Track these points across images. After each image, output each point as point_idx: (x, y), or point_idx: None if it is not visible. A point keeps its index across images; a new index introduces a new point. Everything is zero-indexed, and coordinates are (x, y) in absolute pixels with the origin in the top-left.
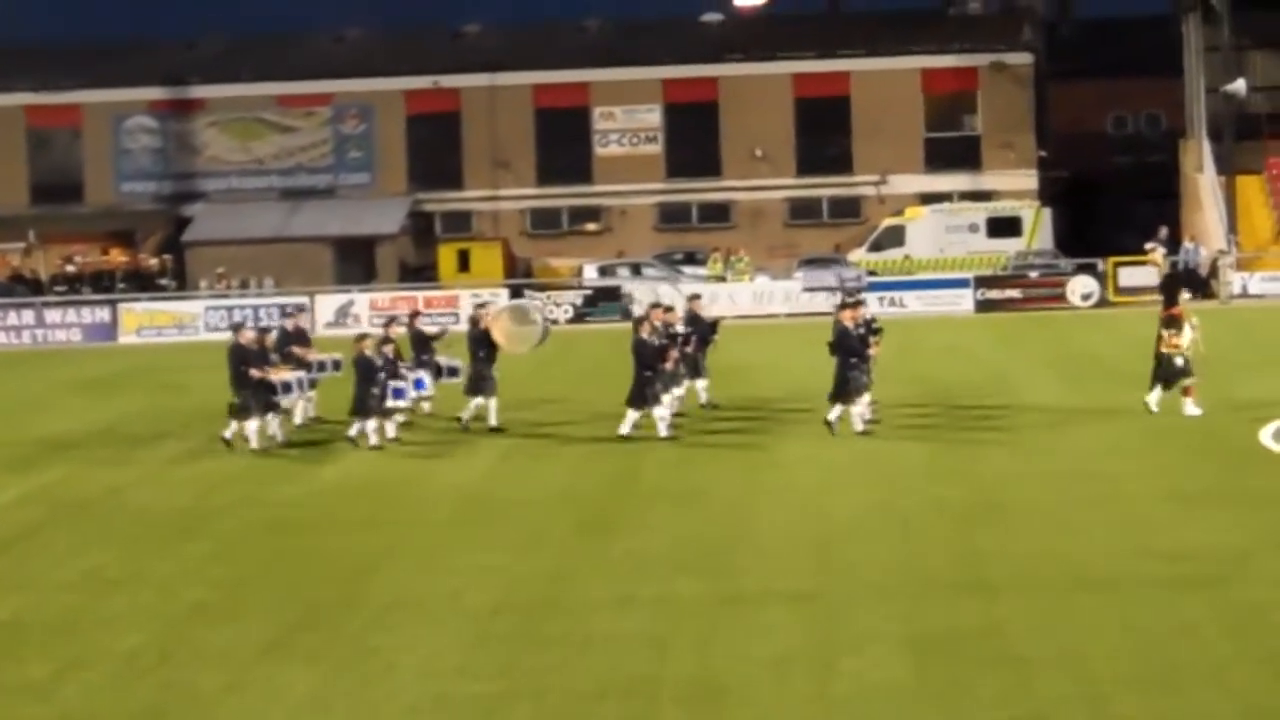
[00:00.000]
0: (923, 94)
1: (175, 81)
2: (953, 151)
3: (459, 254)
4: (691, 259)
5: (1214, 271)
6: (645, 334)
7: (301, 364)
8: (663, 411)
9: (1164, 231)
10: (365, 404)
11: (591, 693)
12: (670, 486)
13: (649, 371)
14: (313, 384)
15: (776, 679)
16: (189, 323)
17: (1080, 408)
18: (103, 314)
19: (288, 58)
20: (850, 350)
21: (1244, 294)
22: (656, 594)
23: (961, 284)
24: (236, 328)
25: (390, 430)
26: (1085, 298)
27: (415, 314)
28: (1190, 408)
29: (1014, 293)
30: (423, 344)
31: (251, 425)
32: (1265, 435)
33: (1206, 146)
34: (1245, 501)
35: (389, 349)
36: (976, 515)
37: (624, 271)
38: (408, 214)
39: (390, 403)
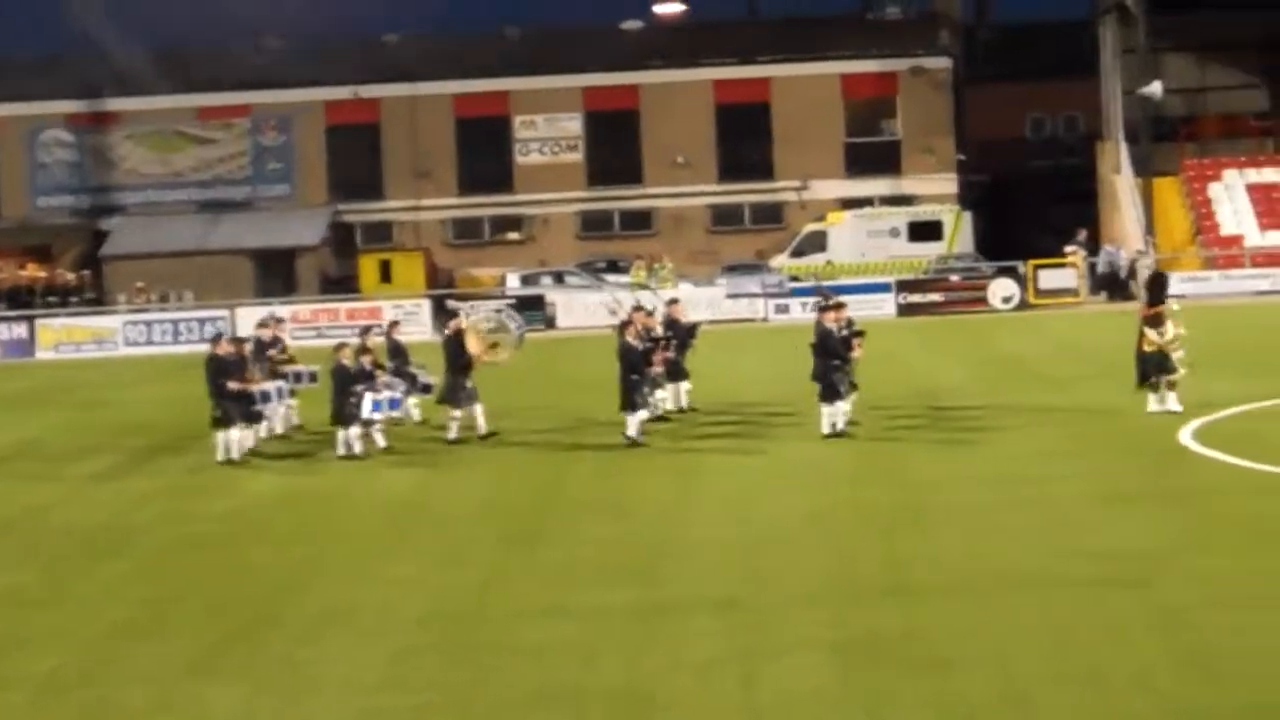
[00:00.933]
0: (843, 99)
1: (91, 94)
2: (873, 156)
3: (380, 265)
4: (614, 267)
5: (1132, 273)
6: (631, 338)
7: (277, 374)
8: (643, 415)
9: (1083, 234)
10: (343, 413)
11: (519, 703)
12: (597, 496)
13: (636, 376)
14: (292, 393)
15: (703, 686)
16: (107, 338)
17: (1004, 410)
18: (20, 330)
19: (206, 69)
20: (833, 352)
21: None
22: (583, 603)
23: (883, 288)
24: (215, 339)
25: (380, 440)
26: (1006, 300)
27: (394, 324)
28: (1173, 404)
29: (935, 296)
30: (400, 354)
31: (233, 434)
32: (1186, 435)
33: (1124, 149)
34: (1168, 502)
35: (367, 359)
36: (902, 519)
37: (547, 280)
38: (328, 225)
39: (367, 414)
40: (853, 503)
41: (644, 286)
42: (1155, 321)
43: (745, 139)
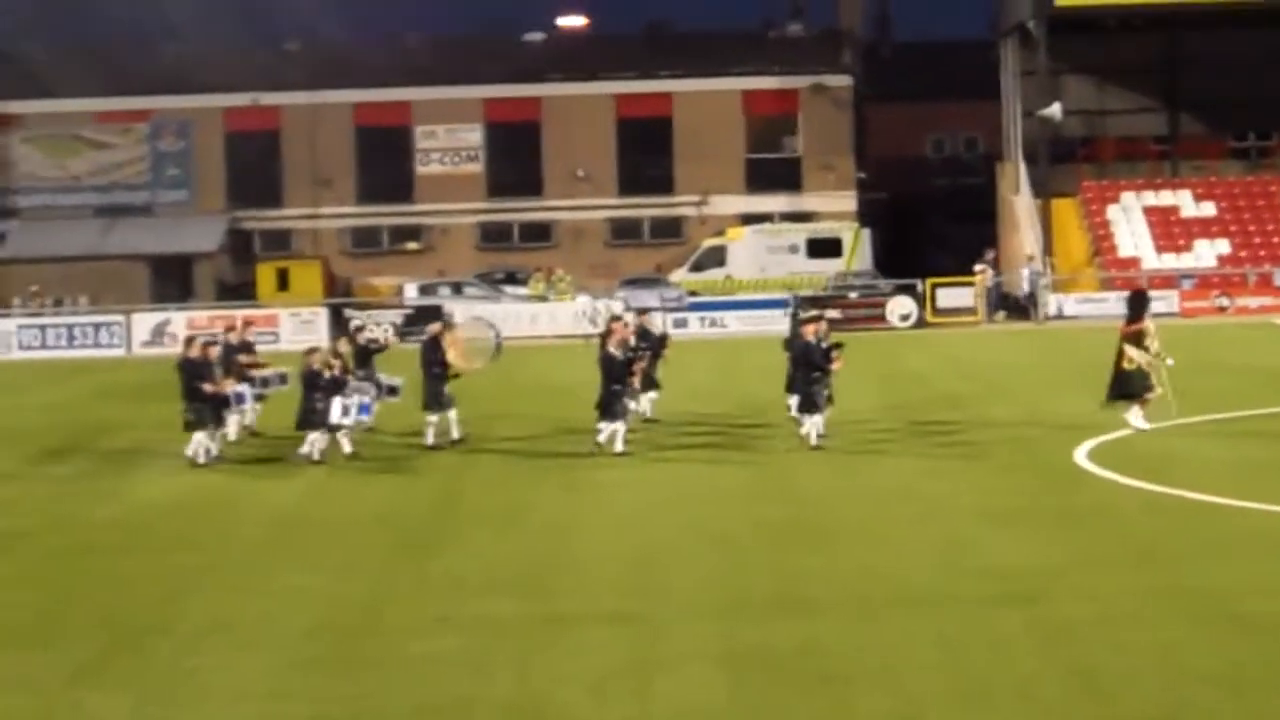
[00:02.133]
0: (744, 115)
1: None
2: (773, 173)
3: (278, 273)
4: (513, 278)
5: (1031, 293)
6: (613, 348)
7: (245, 377)
8: (621, 426)
9: (992, 253)
10: (310, 418)
11: (408, 715)
12: (490, 507)
13: (618, 385)
14: (259, 397)
15: (595, 700)
16: (0, 342)
17: (900, 427)
18: None
19: (105, 73)
20: (814, 365)
21: (1059, 315)
22: (475, 615)
23: (782, 304)
24: (186, 342)
25: (346, 446)
26: (904, 318)
27: (359, 329)
28: (1140, 422)
29: (834, 313)
30: (366, 359)
31: (200, 438)
32: (1080, 454)
33: (1023, 169)
34: (1060, 520)
35: (337, 364)
36: (795, 534)
37: (445, 291)
38: (226, 232)
39: (336, 419)
40: (747, 517)
41: (542, 298)
42: (1137, 339)
43: (646, 153)
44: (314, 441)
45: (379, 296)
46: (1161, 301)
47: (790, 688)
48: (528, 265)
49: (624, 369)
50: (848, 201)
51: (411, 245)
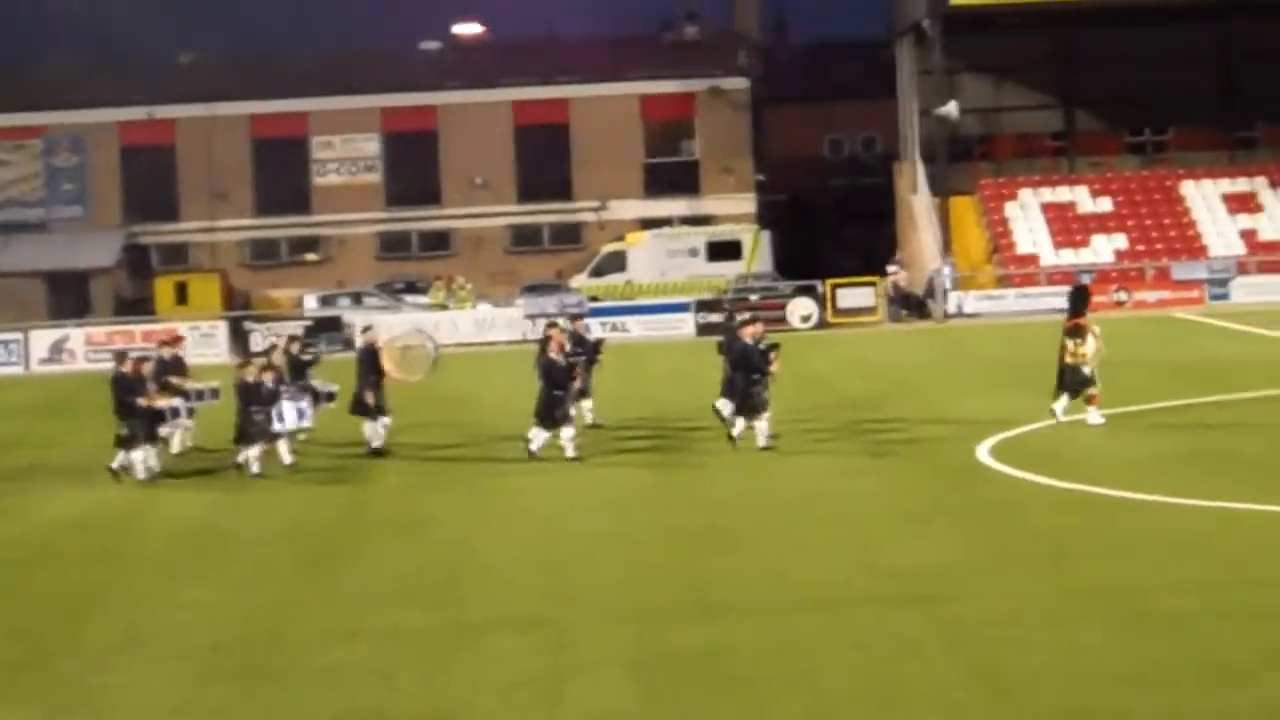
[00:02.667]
0: (641, 120)
1: None
2: (672, 176)
3: (176, 286)
4: (413, 288)
5: (930, 291)
6: (554, 353)
7: (179, 392)
8: (570, 431)
9: (900, 254)
10: (248, 430)
11: None
12: (398, 517)
13: (559, 391)
14: (190, 412)
15: (505, 707)
16: None
17: (804, 429)
18: None
19: None
20: (753, 367)
21: (959, 313)
22: (383, 625)
23: (682, 308)
24: (119, 356)
25: (287, 457)
26: (805, 319)
27: (292, 338)
28: (1094, 416)
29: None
30: (300, 369)
31: (137, 455)
32: (983, 452)
33: (920, 169)
34: (965, 519)
35: (270, 375)
36: (704, 538)
37: (345, 301)
38: (123, 247)
39: (276, 426)
40: (655, 522)
41: (442, 307)
42: (1076, 333)
43: (544, 160)
44: (251, 454)
45: (278, 308)
46: (1059, 298)
47: (701, 692)
48: (428, 274)
49: (565, 374)
50: (747, 204)
51: (310, 256)
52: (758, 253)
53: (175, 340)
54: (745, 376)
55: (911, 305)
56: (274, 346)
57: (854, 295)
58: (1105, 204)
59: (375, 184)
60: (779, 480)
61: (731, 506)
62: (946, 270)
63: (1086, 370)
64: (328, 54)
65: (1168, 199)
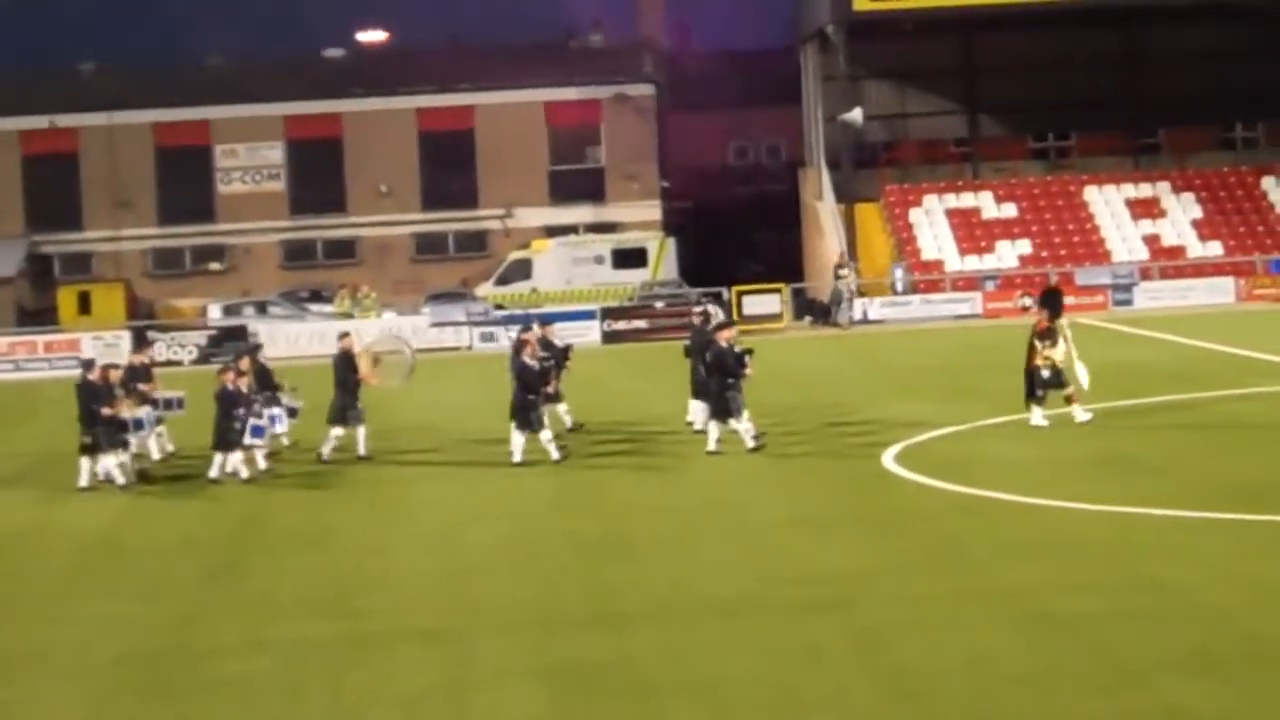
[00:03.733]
0: (546, 127)
1: None
2: (577, 184)
3: (79, 296)
4: (318, 296)
5: (836, 298)
6: (528, 358)
7: (146, 400)
8: (548, 434)
9: (843, 255)
10: (227, 437)
11: None
12: (300, 528)
13: (533, 395)
14: (159, 420)
15: (410, 718)
16: None
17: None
18: None
19: None
20: (728, 370)
21: (864, 320)
22: (288, 637)
23: (588, 315)
24: (86, 365)
25: (262, 462)
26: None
27: (257, 347)
28: (1080, 414)
29: (640, 323)
30: (266, 379)
31: (110, 462)
32: (888, 458)
33: (825, 175)
34: (870, 525)
35: (243, 382)
36: (606, 547)
37: (249, 311)
38: (25, 256)
39: (249, 440)
40: (558, 531)
41: (347, 315)
42: (1048, 336)
43: (449, 167)
44: (233, 460)
45: (183, 318)
46: (965, 303)
47: (606, 701)
48: (332, 283)
49: (539, 378)
50: (652, 211)
51: (215, 265)
52: (663, 260)
53: (144, 347)
54: (720, 380)
55: (817, 312)
56: (258, 348)
57: (760, 302)
58: (1010, 210)
59: (279, 192)
60: (683, 488)
61: (635, 514)
62: (899, 272)
63: (1047, 373)
64: (231, 62)
65: (1071, 204)
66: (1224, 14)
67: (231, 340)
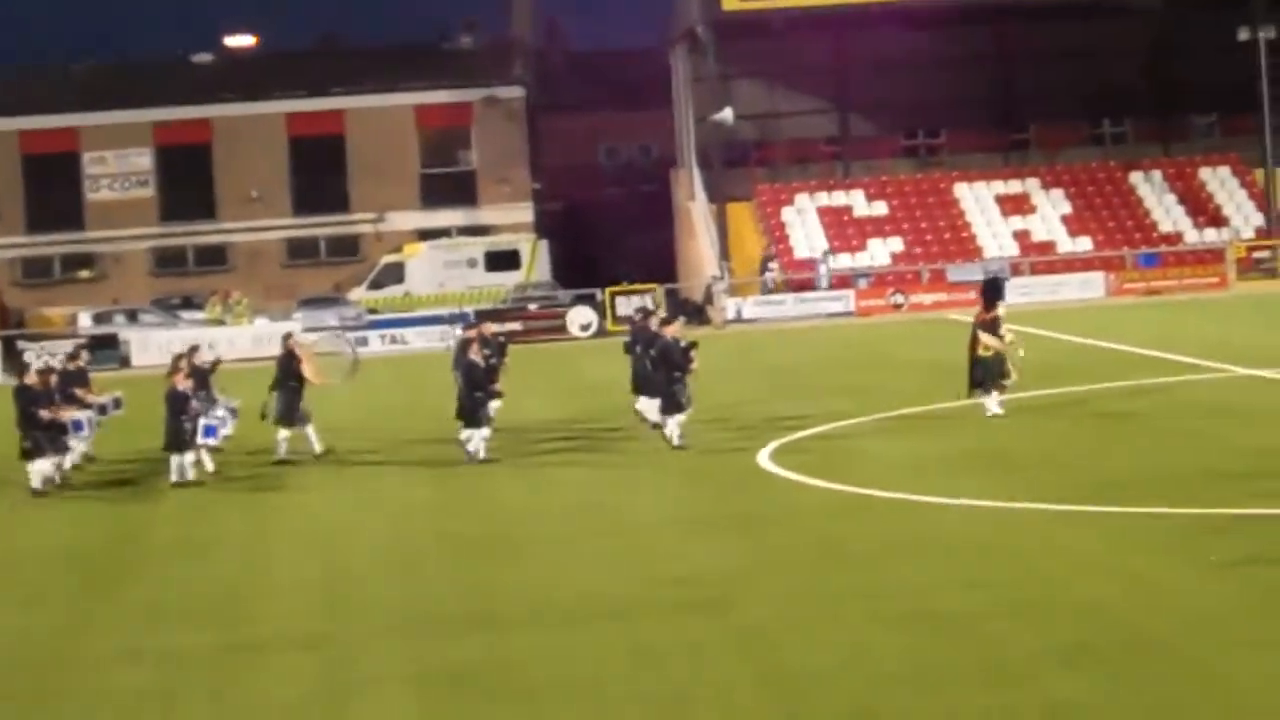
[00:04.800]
0: (417, 130)
1: None
2: (449, 187)
3: None
4: (189, 303)
5: (708, 298)
6: (474, 355)
7: (83, 404)
8: (486, 432)
9: (771, 251)
10: (179, 438)
11: None
12: (180, 536)
13: (480, 392)
14: (95, 424)
15: None
16: None
17: (586, 437)
18: None
19: None
20: (676, 365)
21: (738, 319)
22: (166, 646)
23: (462, 319)
24: (23, 369)
25: (209, 465)
26: (584, 328)
27: (194, 348)
28: (994, 407)
29: (514, 325)
30: (203, 380)
31: (37, 465)
32: (764, 457)
33: (697, 175)
34: (748, 524)
35: (189, 384)
36: (485, 549)
37: (120, 318)
38: None
39: (201, 440)
40: (434, 534)
41: (219, 322)
42: (992, 326)
43: (320, 172)
44: (183, 463)
45: (52, 327)
46: (838, 301)
47: (485, 704)
48: (204, 289)
49: (486, 376)
50: (524, 213)
51: (84, 274)
52: (536, 262)
53: (78, 352)
54: (668, 374)
55: (689, 312)
56: (195, 349)
57: (633, 303)
58: (881, 207)
59: (149, 199)
60: (561, 489)
61: (513, 517)
62: (823, 269)
63: (994, 363)
64: (98, 68)
65: (942, 202)
66: (1091, 12)
67: (103, 349)
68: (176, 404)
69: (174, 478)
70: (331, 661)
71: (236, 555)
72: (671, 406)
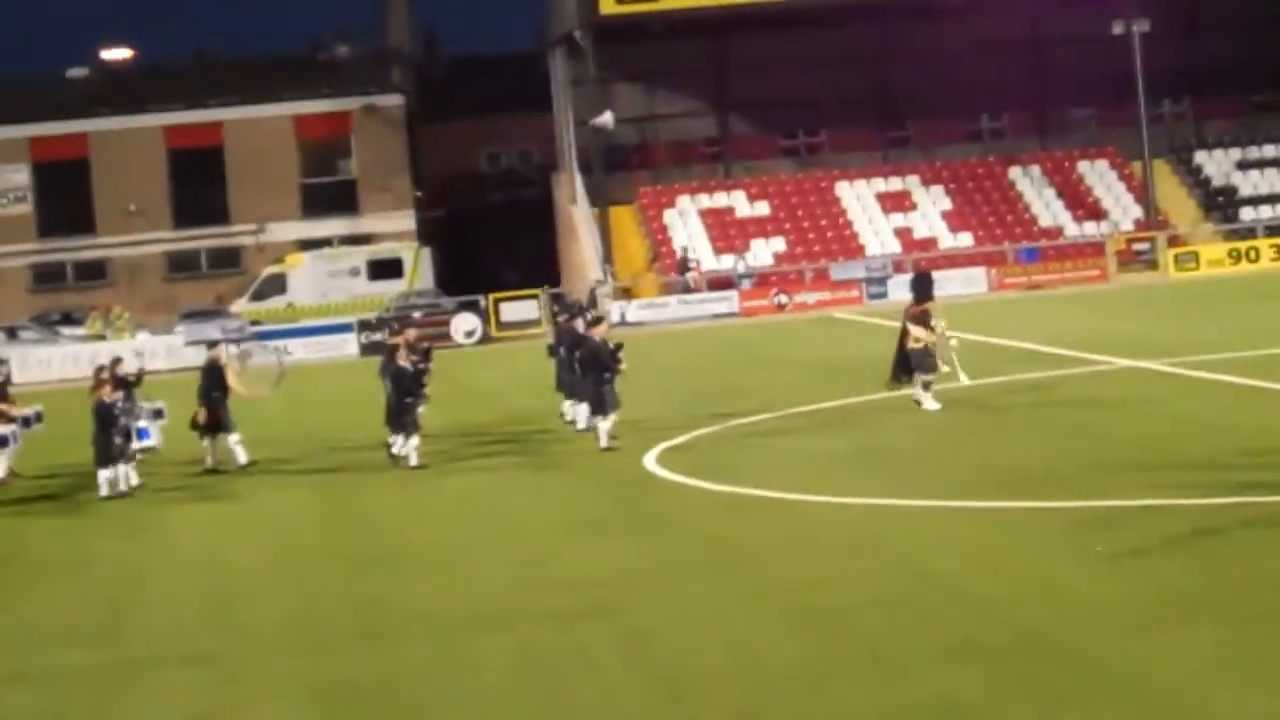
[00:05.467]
0: (296, 140)
1: None
2: (330, 196)
3: None
4: (69, 319)
5: (592, 301)
6: (402, 360)
7: (8, 419)
8: (416, 440)
9: (692, 255)
10: (109, 451)
11: None
12: (55, 554)
13: (410, 398)
14: (17, 438)
15: None
16: None
17: (469, 444)
18: None
19: None
20: (603, 366)
21: (623, 322)
22: (48, 667)
23: (345, 329)
24: None
25: (133, 478)
26: (469, 335)
27: (116, 360)
28: (929, 402)
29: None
30: (125, 389)
31: None
32: (650, 460)
33: (579, 179)
34: (634, 527)
35: (117, 395)
36: (370, 560)
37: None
38: None
39: (137, 445)
40: (319, 547)
41: (100, 337)
42: (922, 319)
43: (200, 184)
44: (115, 476)
45: None
46: (721, 302)
47: (376, 717)
48: (84, 305)
49: (414, 381)
50: (406, 221)
51: None
52: (419, 270)
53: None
54: (596, 376)
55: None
56: (118, 361)
57: (517, 309)
58: (763, 208)
59: (26, 215)
60: (445, 497)
61: (397, 526)
62: (742, 267)
63: (926, 355)
64: None
65: (824, 200)
66: (967, 8)
67: None
68: (105, 417)
69: (104, 492)
70: (218, 678)
71: (115, 574)
72: (600, 408)
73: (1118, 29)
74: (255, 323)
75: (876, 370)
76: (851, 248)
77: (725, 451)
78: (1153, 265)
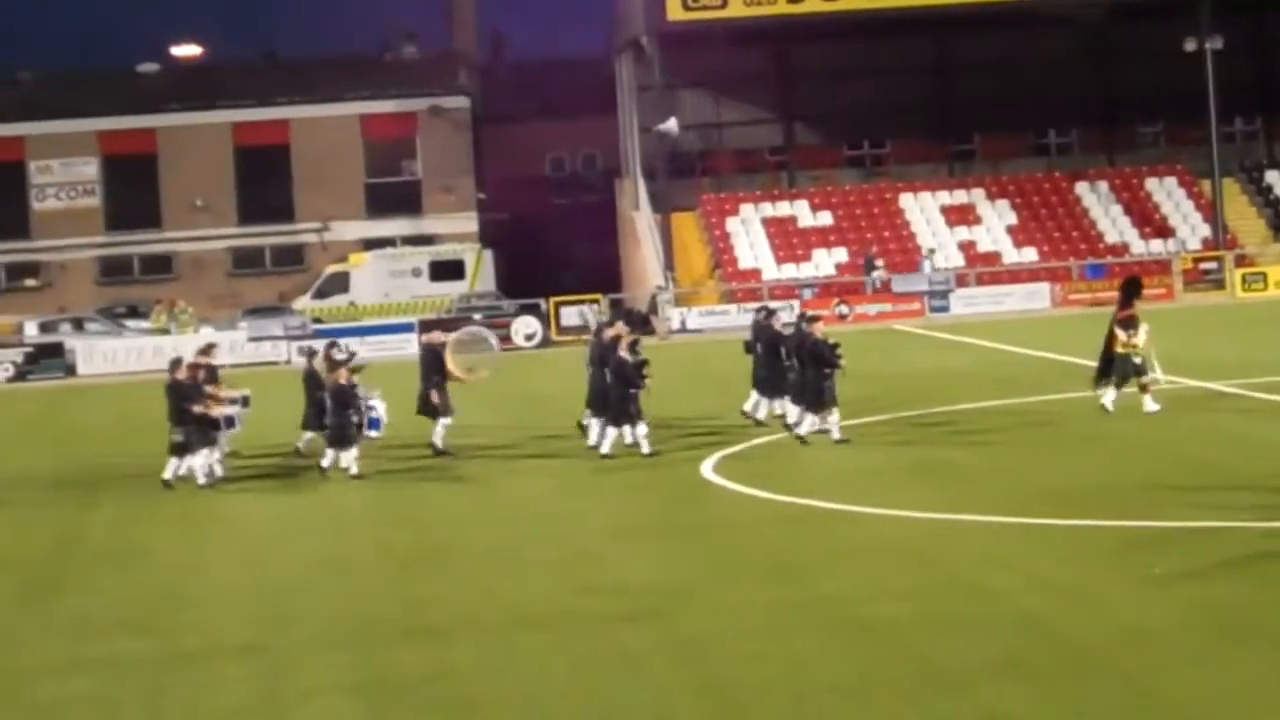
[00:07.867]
0: (362, 140)
1: None
2: (394, 197)
3: None
4: (135, 312)
5: (654, 307)
6: (624, 352)
7: (220, 400)
8: (644, 429)
9: (874, 249)
10: (346, 433)
11: None
12: (115, 546)
13: (632, 389)
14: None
15: None
16: None
17: (527, 447)
18: None
19: None
20: (825, 361)
21: (683, 329)
22: (102, 656)
23: (406, 329)
24: (175, 364)
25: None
26: (529, 338)
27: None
28: (1150, 404)
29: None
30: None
31: (197, 461)
32: (707, 468)
33: (642, 185)
34: (687, 534)
35: (354, 378)
36: (421, 559)
37: (66, 327)
38: None
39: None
40: (372, 544)
41: (164, 331)
42: (1129, 323)
43: (265, 181)
44: (343, 457)
45: None
46: (783, 312)
47: (424, 715)
48: (149, 298)
49: (636, 372)
50: (469, 223)
51: (30, 282)
52: (480, 272)
53: (210, 348)
54: (818, 371)
55: (635, 321)
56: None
57: (578, 313)
58: (826, 218)
59: (95, 208)
60: (502, 499)
61: (452, 526)
62: (928, 265)
63: (1137, 360)
64: (44, 77)
65: (887, 212)
66: (1034, 21)
67: (49, 358)
68: (343, 399)
69: (354, 471)
70: (269, 671)
71: (169, 565)
72: (819, 404)
73: (1190, 45)
74: (317, 321)
75: (936, 384)
76: (914, 260)
77: (783, 461)
78: (1219, 285)
